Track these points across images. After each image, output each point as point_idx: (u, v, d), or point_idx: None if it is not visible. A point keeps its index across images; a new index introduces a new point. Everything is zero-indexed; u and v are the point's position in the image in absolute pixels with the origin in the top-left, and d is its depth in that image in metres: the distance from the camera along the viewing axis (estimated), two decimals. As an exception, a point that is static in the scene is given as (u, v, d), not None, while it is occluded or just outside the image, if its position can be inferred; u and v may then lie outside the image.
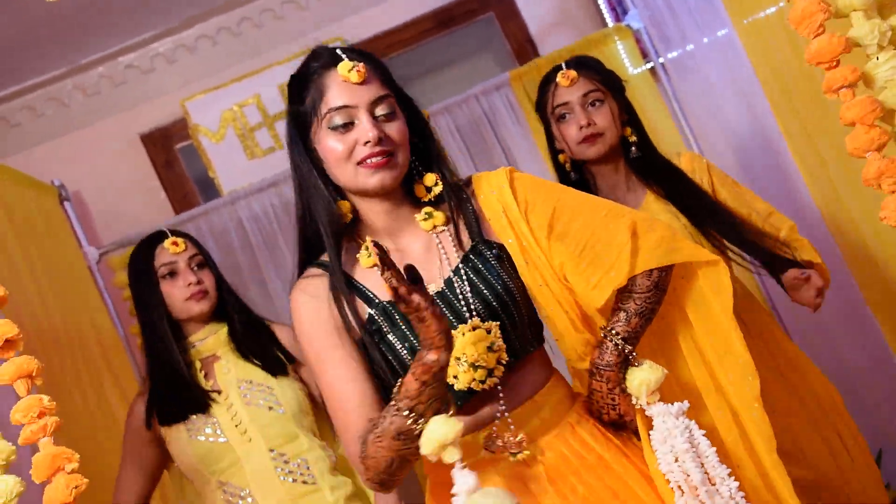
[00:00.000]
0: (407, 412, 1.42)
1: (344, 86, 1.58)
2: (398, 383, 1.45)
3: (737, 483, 1.51)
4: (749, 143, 3.16)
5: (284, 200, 3.58)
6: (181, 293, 2.43)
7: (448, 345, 1.40)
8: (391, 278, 1.35)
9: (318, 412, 2.53)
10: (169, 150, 3.87)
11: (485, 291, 1.59)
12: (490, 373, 1.55)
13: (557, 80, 2.48)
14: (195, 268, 2.46)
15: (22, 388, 1.48)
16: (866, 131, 1.53)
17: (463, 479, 1.40)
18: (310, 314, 1.61)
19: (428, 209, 1.67)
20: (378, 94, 1.60)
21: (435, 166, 1.69)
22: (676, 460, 1.52)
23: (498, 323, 1.57)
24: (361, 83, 1.58)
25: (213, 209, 3.58)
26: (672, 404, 1.55)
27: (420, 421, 1.42)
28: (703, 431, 1.54)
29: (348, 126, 1.59)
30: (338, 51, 1.61)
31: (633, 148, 2.46)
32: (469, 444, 1.55)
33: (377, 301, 1.61)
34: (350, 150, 1.59)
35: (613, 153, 2.47)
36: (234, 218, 3.58)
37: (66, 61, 3.75)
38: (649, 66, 3.66)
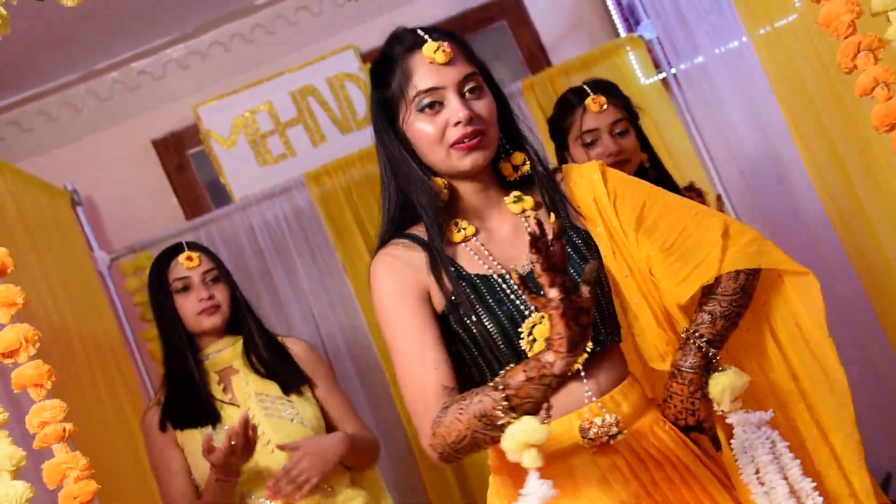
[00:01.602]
0: (501, 398, 1.35)
1: (430, 67, 1.57)
2: (507, 369, 1.38)
3: (822, 498, 1.46)
4: (756, 154, 3.16)
5: (296, 207, 3.59)
6: (193, 307, 2.46)
7: (569, 354, 1.31)
8: (542, 265, 1.28)
9: (329, 430, 2.54)
10: (181, 155, 3.88)
11: (575, 276, 1.56)
12: None
13: (587, 104, 2.47)
14: (209, 282, 2.49)
15: (35, 394, 1.49)
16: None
17: (537, 487, 1.33)
18: (392, 275, 1.59)
19: (517, 192, 1.66)
20: (465, 73, 1.59)
21: (522, 146, 1.68)
22: (758, 472, 1.48)
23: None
24: (447, 63, 1.57)
25: (225, 215, 3.59)
26: (753, 413, 1.52)
27: (509, 413, 1.35)
28: (787, 443, 1.50)
29: (437, 107, 1.58)
30: (420, 31, 1.61)
31: (651, 171, 2.49)
32: (561, 428, 1.53)
33: (465, 273, 1.59)
34: (441, 132, 1.58)
35: None
36: (246, 224, 3.59)
37: (79, 67, 3.76)
38: (661, 76, 3.66)
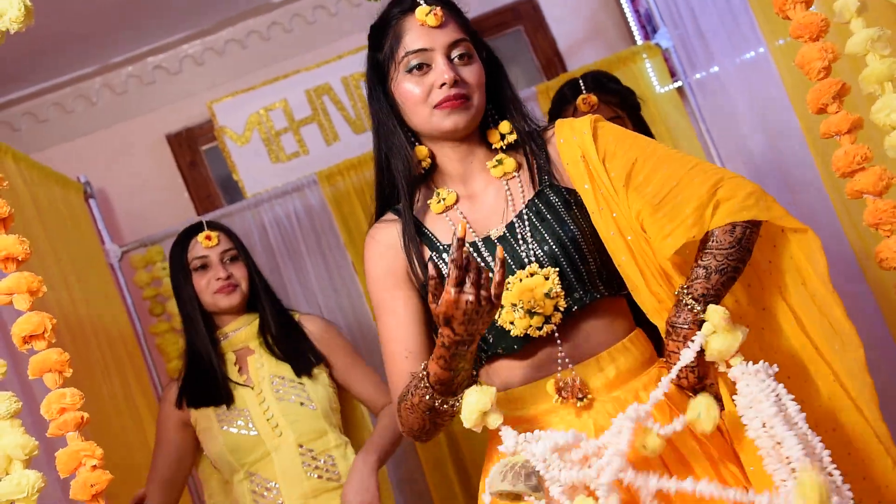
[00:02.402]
0: (440, 401, 1.49)
1: (421, 29, 1.62)
2: (424, 370, 1.49)
3: (828, 451, 1.42)
4: (770, 165, 3.15)
5: (308, 206, 3.59)
6: (210, 286, 2.49)
7: (476, 335, 1.43)
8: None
9: (344, 409, 2.58)
10: (194, 151, 3.89)
11: (546, 236, 1.59)
12: (547, 319, 1.56)
13: (578, 105, 2.47)
14: (227, 261, 2.52)
15: (51, 382, 1.49)
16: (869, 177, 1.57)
17: (509, 438, 1.42)
18: (375, 259, 1.68)
19: (500, 156, 1.69)
20: (454, 38, 1.63)
21: (509, 113, 1.70)
22: (764, 425, 1.42)
23: (557, 270, 1.57)
24: (438, 27, 1.62)
25: (237, 211, 3.59)
26: (755, 364, 1.46)
27: (451, 402, 1.49)
28: (792, 396, 1.45)
29: (424, 69, 1.62)
30: None
31: None
32: (536, 390, 1.58)
33: (440, 245, 1.65)
34: (427, 93, 1.62)
35: None
36: (257, 221, 3.59)
37: (95, 60, 3.78)
38: (677, 84, 3.66)
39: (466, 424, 1.47)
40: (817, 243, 1.57)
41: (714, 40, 3.24)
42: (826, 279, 1.56)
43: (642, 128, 2.50)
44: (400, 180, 1.67)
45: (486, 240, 1.63)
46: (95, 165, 3.74)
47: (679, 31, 3.53)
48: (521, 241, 1.60)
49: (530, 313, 1.56)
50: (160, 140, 3.88)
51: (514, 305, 1.56)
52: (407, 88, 1.63)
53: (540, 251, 1.59)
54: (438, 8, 1.62)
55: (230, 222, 3.56)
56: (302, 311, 2.68)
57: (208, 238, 2.50)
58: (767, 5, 2.67)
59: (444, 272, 1.62)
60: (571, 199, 1.63)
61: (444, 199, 1.68)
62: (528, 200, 1.64)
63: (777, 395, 1.44)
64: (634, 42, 3.85)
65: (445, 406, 1.50)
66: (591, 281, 1.60)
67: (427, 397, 1.50)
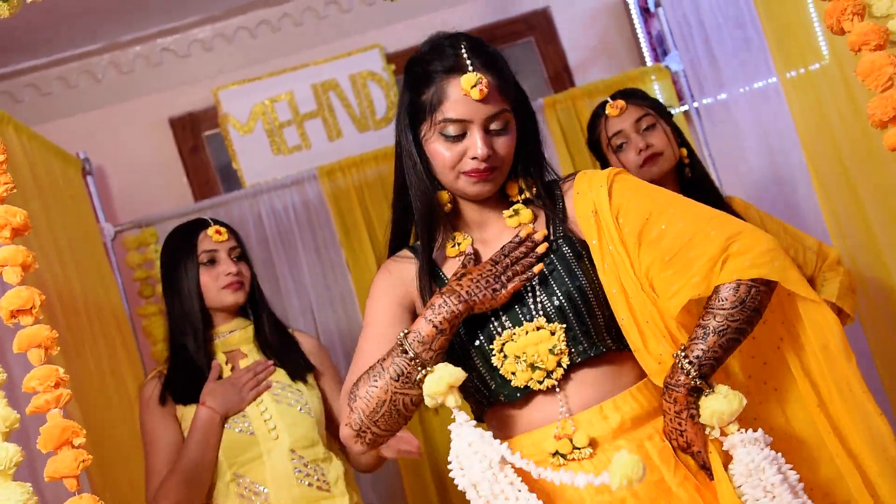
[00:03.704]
0: (413, 356, 1.51)
1: (464, 99, 1.59)
2: (405, 331, 1.54)
3: None
4: (772, 197, 3.15)
5: (306, 200, 3.57)
6: (219, 281, 2.43)
7: (471, 300, 1.54)
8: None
9: (329, 425, 2.52)
10: (196, 136, 3.87)
11: (556, 289, 1.59)
12: (549, 374, 1.56)
13: (607, 111, 2.50)
14: (235, 258, 2.48)
15: (35, 357, 1.47)
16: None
17: (460, 418, 1.50)
18: (385, 287, 1.70)
19: (517, 206, 1.69)
20: (495, 111, 1.60)
21: (534, 171, 1.70)
22: (766, 495, 1.40)
23: (564, 326, 1.57)
24: (481, 100, 1.58)
25: (234, 200, 3.57)
26: (753, 432, 1.44)
27: (421, 369, 1.51)
28: (790, 466, 1.44)
29: (459, 137, 1.61)
30: (465, 55, 1.60)
31: (687, 169, 2.47)
32: (534, 439, 1.58)
33: None
34: (457, 160, 1.62)
35: (672, 177, 2.48)
36: (254, 211, 3.57)
37: (103, 37, 3.75)
38: (684, 108, 3.65)
39: (427, 391, 1.49)
40: (832, 318, 1.52)
41: (725, 67, 3.24)
42: (846, 353, 1.51)
43: (677, 131, 2.52)
44: (420, 221, 1.67)
45: None
46: (95, 143, 3.72)
47: (690, 56, 3.53)
48: (529, 293, 1.61)
49: (532, 367, 1.57)
50: (163, 122, 3.87)
51: (518, 357, 1.57)
52: (438, 150, 1.62)
53: (549, 304, 1.59)
54: (486, 80, 1.57)
55: (227, 211, 3.55)
56: (295, 328, 2.66)
57: (219, 232, 2.45)
58: (782, 36, 2.68)
59: None
60: (584, 252, 1.62)
61: (459, 244, 1.70)
62: (544, 252, 1.63)
63: (779, 465, 1.43)
64: (644, 63, 3.85)
65: (416, 371, 1.50)
66: (599, 334, 1.59)
67: (399, 357, 1.52)
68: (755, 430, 1.47)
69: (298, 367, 2.47)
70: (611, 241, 1.58)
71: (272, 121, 3.79)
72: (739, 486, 1.44)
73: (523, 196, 1.69)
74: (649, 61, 3.84)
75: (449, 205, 1.69)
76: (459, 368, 1.51)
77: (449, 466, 1.50)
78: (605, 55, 3.95)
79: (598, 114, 2.56)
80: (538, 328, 1.57)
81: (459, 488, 1.49)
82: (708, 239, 1.50)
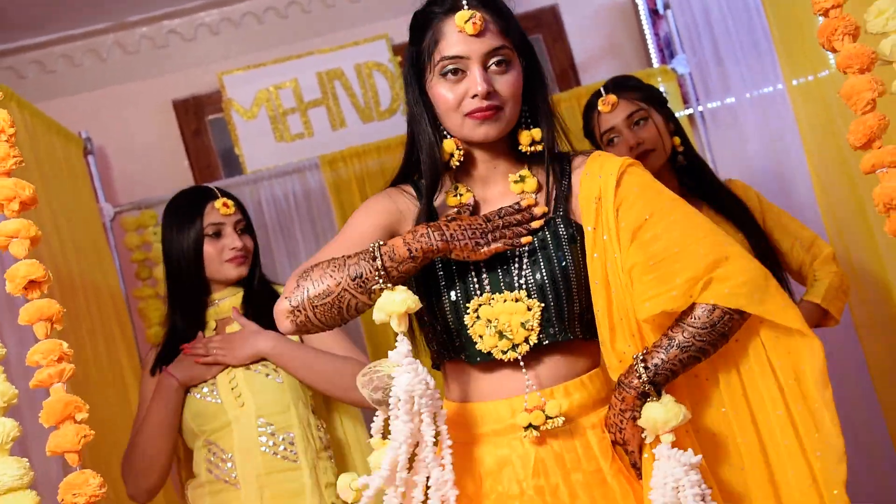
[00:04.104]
0: (380, 265, 1.49)
1: (459, 36, 1.59)
2: (379, 242, 1.52)
3: None
4: (772, 200, 3.15)
5: (306, 188, 3.57)
6: (223, 254, 2.43)
7: (452, 243, 1.53)
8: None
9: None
10: (199, 119, 3.86)
11: (542, 265, 1.59)
12: (514, 347, 1.56)
13: (599, 107, 2.50)
14: (240, 231, 2.48)
15: (41, 331, 1.46)
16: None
17: (402, 346, 1.48)
18: (378, 208, 1.68)
19: (523, 172, 1.68)
20: (492, 46, 1.59)
21: (543, 122, 1.67)
22: None
23: (542, 305, 1.57)
24: (477, 34, 1.58)
25: (235, 185, 3.55)
26: (684, 451, 1.46)
27: (382, 281, 1.49)
28: (710, 490, 1.45)
29: (459, 74, 1.60)
30: None
31: (680, 157, 2.47)
32: (491, 408, 1.59)
33: None
34: (459, 100, 1.61)
35: (667, 168, 2.49)
36: (254, 198, 3.57)
37: (110, 17, 3.74)
38: (688, 111, 3.65)
39: (382, 307, 1.48)
40: (818, 348, 1.52)
41: (733, 72, 3.25)
42: (819, 383, 1.51)
43: (671, 118, 2.52)
44: (425, 172, 1.67)
45: None
46: (98, 122, 3.70)
47: (697, 59, 3.54)
48: (516, 263, 1.60)
49: (500, 335, 1.56)
50: (166, 105, 3.85)
51: (490, 322, 1.57)
52: (440, 92, 1.62)
53: (532, 278, 1.59)
54: (479, 14, 1.58)
55: (227, 195, 3.53)
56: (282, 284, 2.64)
57: (226, 206, 2.45)
58: (790, 43, 2.69)
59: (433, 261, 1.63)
60: (578, 236, 1.62)
61: (460, 196, 1.69)
62: (538, 227, 1.62)
63: (700, 488, 1.44)
64: (651, 64, 3.85)
65: (374, 280, 1.49)
66: (571, 320, 1.60)
67: (365, 260, 1.50)
68: (687, 449, 1.47)
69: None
70: (606, 231, 1.57)
71: (276, 107, 3.78)
72: (651, 493, 1.47)
73: (533, 147, 1.66)
74: (656, 63, 3.83)
75: (458, 152, 1.66)
76: (416, 298, 1.50)
77: (374, 372, 1.49)
78: (612, 55, 3.95)
79: (592, 106, 2.56)
80: (517, 300, 1.57)
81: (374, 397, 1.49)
82: (696, 256, 1.50)
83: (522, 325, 1.56)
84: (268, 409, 2.35)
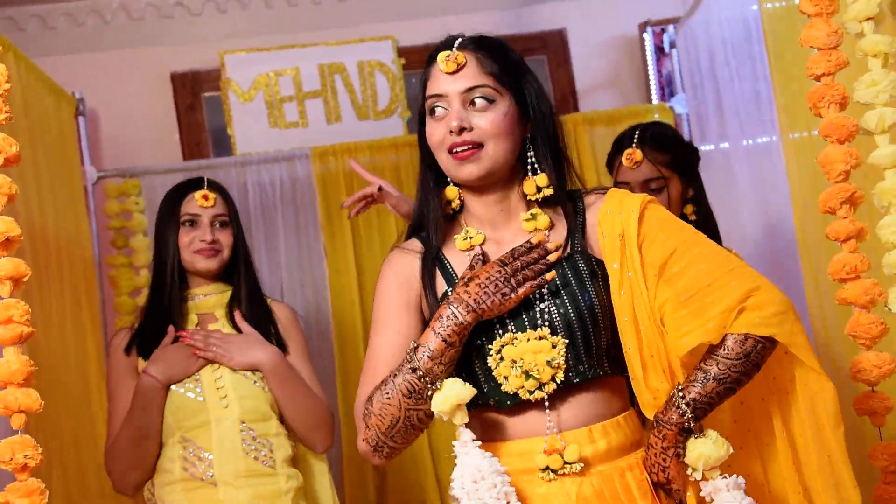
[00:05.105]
0: (422, 373, 1.49)
1: (440, 75, 1.63)
2: (413, 344, 1.53)
3: None
4: (758, 253, 3.17)
5: (294, 178, 3.56)
6: (193, 245, 2.43)
7: (479, 308, 1.51)
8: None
9: None
10: (195, 95, 3.84)
11: (566, 301, 1.57)
12: (541, 387, 1.54)
13: (622, 158, 2.43)
14: (217, 226, 2.47)
15: (6, 290, 1.45)
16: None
17: (465, 436, 1.49)
18: (390, 288, 1.68)
19: (535, 210, 1.66)
20: (472, 84, 1.61)
21: (545, 166, 1.66)
22: None
23: (567, 341, 1.55)
24: (454, 72, 1.60)
25: (223, 166, 3.55)
26: (736, 476, 1.47)
27: (431, 385, 1.50)
28: None
29: (442, 113, 1.62)
30: (449, 39, 1.65)
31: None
32: (519, 448, 1.58)
33: (457, 280, 1.64)
34: (442, 138, 1.62)
35: None
36: (240, 180, 3.55)
37: (118, -21, 3.72)
38: (681, 151, 3.67)
39: (436, 408, 1.49)
40: (832, 391, 1.54)
41: (730, 117, 3.26)
42: (834, 423, 1.54)
43: (693, 182, 2.47)
44: (427, 222, 1.69)
45: None
46: (93, 85, 3.66)
47: (697, 101, 3.55)
48: (538, 301, 1.58)
49: (526, 375, 1.54)
50: (164, 76, 3.82)
51: (514, 362, 1.55)
52: (428, 131, 1.65)
53: (556, 315, 1.57)
54: (457, 53, 1.60)
55: (214, 175, 3.46)
56: (274, 298, 2.64)
57: (205, 198, 2.45)
58: (791, 97, 2.70)
59: None
60: (599, 271, 1.61)
61: (471, 238, 1.67)
62: (556, 262, 1.61)
63: None
64: (650, 100, 3.87)
65: (426, 387, 1.49)
66: (599, 356, 1.59)
67: (409, 374, 1.50)
68: (738, 477, 1.48)
69: None
70: (631, 268, 1.56)
71: (274, 93, 3.77)
72: None
73: (541, 195, 1.65)
74: (655, 99, 3.86)
75: (457, 201, 1.68)
76: (469, 386, 1.49)
77: (452, 485, 1.50)
78: (614, 86, 3.97)
79: (619, 147, 2.48)
80: (540, 338, 1.55)
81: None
82: (728, 288, 1.50)
83: (548, 363, 1.54)
84: (251, 414, 2.36)
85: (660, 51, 3.89)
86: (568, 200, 1.68)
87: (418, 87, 1.70)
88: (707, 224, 2.46)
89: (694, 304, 1.51)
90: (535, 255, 1.57)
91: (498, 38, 1.69)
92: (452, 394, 1.48)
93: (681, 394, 1.49)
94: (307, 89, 3.78)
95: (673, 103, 3.72)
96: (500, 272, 1.54)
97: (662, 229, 1.58)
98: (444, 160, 1.63)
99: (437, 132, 1.62)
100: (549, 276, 1.55)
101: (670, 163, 2.42)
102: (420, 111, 1.69)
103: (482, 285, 1.53)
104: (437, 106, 1.63)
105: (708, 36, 3.38)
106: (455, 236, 1.69)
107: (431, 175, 1.69)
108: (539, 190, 1.65)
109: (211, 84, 3.82)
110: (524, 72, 1.67)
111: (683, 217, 2.43)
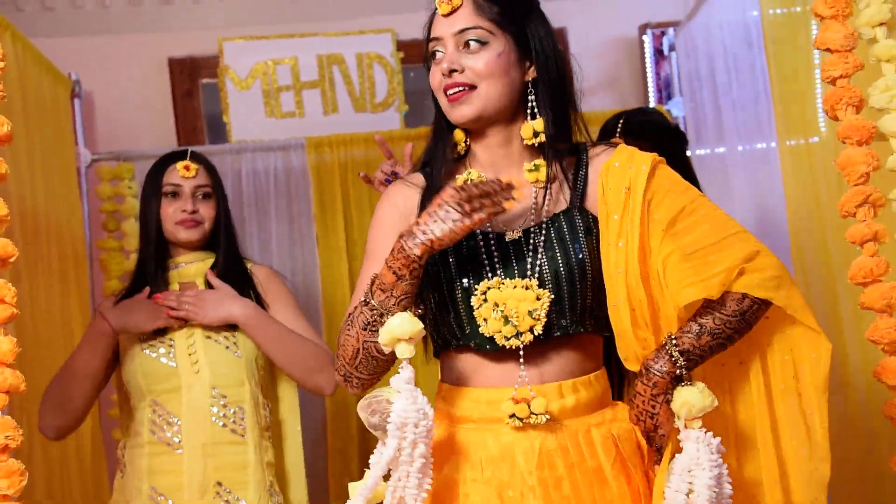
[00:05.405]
0: (374, 306, 1.50)
1: (437, 18, 1.64)
2: (372, 277, 1.54)
3: None
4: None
5: (288, 167, 3.56)
6: (174, 216, 2.44)
7: (427, 239, 1.48)
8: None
9: (271, 369, 2.52)
10: (192, 81, 3.82)
11: (557, 255, 1.58)
12: (518, 335, 1.54)
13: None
14: (199, 197, 2.47)
15: (-9, 269, 1.44)
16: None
17: (404, 373, 1.48)
18: (387, 219, 1.68)
19: (538, 161, 1.65)
20: (464, 25, 1.60)
21: (543, 111, 1.63)
22: (689, 493, 1.44)
23: (553, 296, 1.55)
24: (449, 14, 1.61)
25: (217, 153, 3.53)
26: (713, 436, 1.47)
27: (382, 317, 1.50)
28: (730, 480, 1.47)
29: (439, 56, 1.63)
30: None
31: None
32: (492, 399, 1.58)
33: None
34: (439, 81, 1.62)
35: None
36: (235, 168, 3.55)
37: (119, -37, 3.70)
38: (677, 154, 3.67)
39: (380, 340, 1.49)
40: (827, 350, 1.56)
41: (728, 122, 3.26)
42: (820, 387, 1.56)
43: (682, 169, 2.47)
44: (432, 158, 1.70)
45: (500, 237, 1.61)
46: (90, 68, 3.64)
47: (694, 104, 3.55)
48: (530, 251, 1.59)
49: (506, 320, 1.54)
50: (161, 61, 3.81)
51: (497, 306, 1.55)
52: (430, 75, 1.66)
53: (546, 267, 1.57)
54: None
55: (208, 161, 3.50)
56: (255, 261, 2.63)
57: (186, 168, 2.45)
58: (789, 104, 2.71)
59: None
60: (594, 228, 1.61)
61: (471, 179, 1.64)
62: (553, 214, 1.62)
63: (719, 471, 1.45)
64: (648, 102, 3.87)
65: (376, 320, 1.50)
66: (582, 313, 1.59)
67: (364, 306, 1.52)
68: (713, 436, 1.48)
69: None
70: (631, 222, 1.56)
71: (271, 82, 3.76)
72: (670, 474, 1.47)
73: (537, 139, 1.63)
74: (653, 102, 3.86)
75: (463, 144, 1.68)
76: (416, 321, 1.48)
77: (374, 397, 1.48)
78: (611, 87, 3.96)
79: (604, 134, 2.49)
80: (526, 287, 1.55)
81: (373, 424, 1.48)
82: (731, 249, 1.52)
83: (529, 313, 1.54)
84: (223, 380, 2.36)
85: (659, 53, 3.89)
86: (572, 153, 1.67)
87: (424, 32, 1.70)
88: None
89: (697, 259, 1.52)
90: (495, 188, 1.52)
91: None
92: (393, 326, 1.47)
93: (674, 342, 1.50)
94: (305, 79, 3.77)
95: (670, 106, 3.72)
96: (453, 196, 1.49)
97: (672, 188, 1.59)
98: (443, 103, 1.63)
99: (436, 75, 1.63)
100: (507, 205, 1.52)
101: (653, 149, 2.43)
102: (425, 56, 1.69)
103: (432, 213, 1.50)
104: (437, 50, 1.63)
105: (707, 40, 3.38)
106: (456, 177, 1.67)
107: (444, 118, 1.68)
108: (536, 135, 1.63)
109: (209, 71, 3.81)
110: (529, 13, 1.66)
111: None
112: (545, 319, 1.55)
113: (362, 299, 1.53)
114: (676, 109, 3.69)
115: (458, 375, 1.63)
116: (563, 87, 1.66)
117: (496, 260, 1.59)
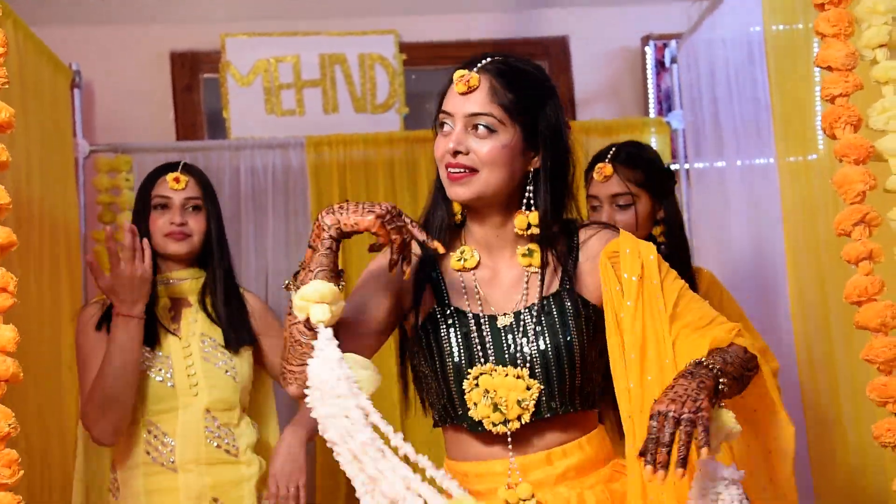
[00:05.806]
0: (295, 287, 1.53)
1: (452, 92, 1.64)
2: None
3: None
4: (745, 273, 3.17)
5: (287, 165, 3.55)
6: (162, 228, 2.43)
7: (339, 213, 1.52)
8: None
9: (256, 390, 2.55)
10: (193, 75, 3.81)
11: (547, 336, 1.61)
12: (506, 423, 1.58)
13: (593, 172, 2.45)
14: (189, 209, 2.46)
15: (-12, 257, 1.43)
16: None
17: (323, 335, 1.47)
18: (374, 266, 1.71)
19: (532, 246, 1.67)
20: (476, 110, 1.61)
21: (540, 204, 1.65)
22: None
23: (542, 387, 1.59)
24: (465, 94, 1.61)
25: (216, 148, 3.54)
26: (728, 467, 1.44)
27: (293, 289, 1.54)
28: None
29: (447, 130, 1.63)
30: (478, 58, 1.65)
31: (662, 247, 2.41)
32: (481, 469, 1.62)
33: (447, 302, 1.67)
34: (442, 154, 1.63)
35: None
36: (233, 164, 3.54)
37: (123, -46, 3.69)
38: (675, 167, 3.67)
39: (294, 308, 1.51)
40: (790, 436, 1.60)
41: (727, 136, 3.26)
42: (788, 471, 1.60)
43: (665, 204, 2.46)
44: (432, 224, 1.71)
45: (492, 321, 1.64)
46: (91, 58, 3.63)
47: (694, 117, 3.56)
48: (521, 335, 1.61)
49: (495, 407, 1.58)
50: (163, 54, 3.80)
51: (487, 392, 1.58)
52: (435, 144, 1.67)
53: (535, 348, 1.60)
54: (473, 76, 1.61)
55: (206, 158, 3.50)
56: (246, 289, 2.63)
57: (176, 180, 2.44)
58: (789, 121, 2.71)
59: (438, 322, 1.65)
60: (583, 312, 1.64)
61: (465, 260, 1.69)
62: (544, 297, 1.64)
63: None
64: (648, 113, 3.88)
65: (291, 289, 1.53)
66: (571, 395, 1.62)
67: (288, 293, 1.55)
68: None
69: (236, 337, 2.45)
70: (649, 308, 1.59)
71: (273, 80, 3.76)
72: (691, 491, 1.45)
73: (529, 231, 1.65)
74: (653, 113, 3.87)
75: (459, 216, 1.70)
76: (328, 283, 1.50)
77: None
78: (612, 97, 3.97)
79: (594, 162, 2.49)
80: (518, 377, 1.59)
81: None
82: (722, 323, 1.61)
83: (518, 402, 1.58)
84: (218, 404, 2.39)
85: (660, 65, 3.90)
86: (563, 232, 1.70)
87: (435, 99, 1.71)
88: (678, 250, 2.45)
89: (704, 330, 1.58)
90: (421, 238, 1.59)
91: (528, 63, 1.68)
92: (303, 290, 1.49)
93: (710, 363, 1.46)
94: (306, 78, 3.77)
95: (670, 118, 3.73)
96: (389, 211, 1.55)
97: (668, 276, 1.65)
98: (443, 176, 1.65)
99: (440, 147, 1.64)
100: (417, 231, 1.58)
101: (641, 181, 2.42)
102: (434, 122, 1.70)
103: (356, 203, 1.55)
104: (445, 122, 1.64)
105: (709, 54, 3.39)
106: (450, 253, 1.70)
107: (443, 187, 1.69)
108: (529, 227, 1.66)
109: (210, 66, 3.80)
110: (544, 102, 1.65)
111: (651, 238, 2.42)
112: (533, 409, 1.58)
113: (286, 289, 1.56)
114: (676, 121, 3.70)
115: (454, 450, 1.68)
116: (564, 178, 1.69)
117: (488, 341, 1.62)
